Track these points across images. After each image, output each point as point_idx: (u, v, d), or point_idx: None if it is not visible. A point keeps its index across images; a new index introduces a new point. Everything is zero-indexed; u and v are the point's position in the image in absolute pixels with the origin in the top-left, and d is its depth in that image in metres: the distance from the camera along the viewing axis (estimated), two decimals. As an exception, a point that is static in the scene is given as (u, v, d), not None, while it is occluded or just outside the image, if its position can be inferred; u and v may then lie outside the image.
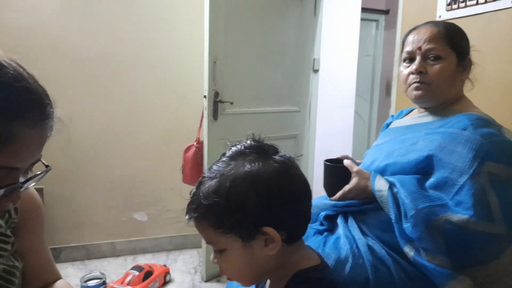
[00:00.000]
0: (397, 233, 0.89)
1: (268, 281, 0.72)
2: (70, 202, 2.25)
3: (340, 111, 2.86)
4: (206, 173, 0.64)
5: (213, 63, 1.97)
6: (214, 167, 0.64)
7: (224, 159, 0.65)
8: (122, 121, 2.27)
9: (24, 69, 0.57)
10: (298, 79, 2.45)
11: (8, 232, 0.72)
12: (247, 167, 0.61)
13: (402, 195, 0.88)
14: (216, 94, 2.02)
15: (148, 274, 1.98)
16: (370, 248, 0.93)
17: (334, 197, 1.04)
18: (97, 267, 2.21)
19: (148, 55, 2.27)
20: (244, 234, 0.60)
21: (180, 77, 2.34)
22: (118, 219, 2.37)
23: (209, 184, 0.61)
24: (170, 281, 2.09)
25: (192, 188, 0.65)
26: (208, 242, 0.64)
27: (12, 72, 0.54)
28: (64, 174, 2.20)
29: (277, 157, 0.64)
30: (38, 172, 0.62)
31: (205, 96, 1.99)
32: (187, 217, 0.63)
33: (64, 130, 0.62)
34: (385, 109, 3.91)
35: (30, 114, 0.55)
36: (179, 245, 2.46)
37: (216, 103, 2.02)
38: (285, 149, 0.68)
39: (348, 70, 2.90)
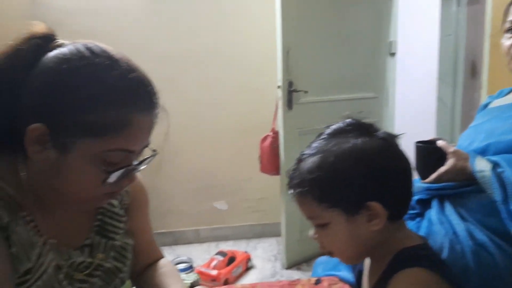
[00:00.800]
0: (504, 215, 0.82)
1: (366, 261, 0.72)
2: (158, 191, 2.43)
3: (420, 96, 2.70)
4: (306, 150, 0.66)
5: (286, 53, 1.98)
6: (314, 144, 0.65)
7: (324, 136, 0.66)
8: (202, 115, 2.40)
9: (132, 62, 0.64)
10: (374, 63, 2.36)
11: (122, 212, 0.81)
12: (351, 142, 0.61)
13: (510, 173, 0.81)
14: (290, 83, 2.03)
15: (231, 259, 2.08)
16: (470, 233, 0.88)
17: (428, 180, 0.99)
18: (184, 252, 2.37)
19: (223, 49, 2.36)
20: (348, 208, 0.61)
21: (254, 69, 2.40)
22: (201, 207, 2.51)
23: (312, 159, 0.62)
24: (252, 267, 2.17)
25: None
26: (309, 217, 0.65)
27: (125, 64, 0.61)
28: (153, 166, 2.36)
29: (379, 133, 0.64)
30: (147, 156, 0.69)
31: (279, 86, 2.02)
32: (290, 191, 0.65)
33: (165, 120, 0.68)
34: (471, 92, 3.58)
35: (143, 101, 0.62)
36: (258, 233, 2.53)
37: (290, 92, 2.03)
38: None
39: (428, 52, 2.73)
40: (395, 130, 2.28)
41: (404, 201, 0.64)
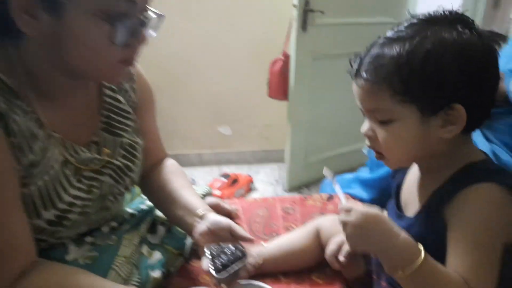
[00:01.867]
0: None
1: (412, 174, 0.68)
2: (163, 113, 2.37)
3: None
4: (388, 33, 0.57)
5: (304, -33, 1.81)
6: (402, 28, 0.56)
7: (415, 21, 0.56)
8: (212, 38, 2.26)
9: None
10: (397, -15, 2.19)
11: (129, 108, 0.77)
12: (456, 33, 0.53)
13: None
14: (306, 2, 1.88)
15: (234, 181, 2.11)
16: (494, 154, 0.86)
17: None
18: (187, 173, 2.39)
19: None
20: (427, 107, 0.54)
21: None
22: (205, 132, 2.49)
23: (400, 44, 0.53)
24: (254, 189, 2.21)
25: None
26: (372, 110, 0.58)
27: None
28: (160, 88, 2.30)
29: (485, 32, 0.55)
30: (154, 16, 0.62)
31: (294, 5, 1.88)
32: (361, 75, 0.56)
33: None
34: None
35: None
36: (261, 159, 2.55)
37: (306, 12, 1.89)
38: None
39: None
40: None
41: (485, 112, 0.58)
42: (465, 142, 0.59)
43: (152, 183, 0.86)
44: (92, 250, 0.72)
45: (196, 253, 0.88)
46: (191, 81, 2.34)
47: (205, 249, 0.70)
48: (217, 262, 0.67)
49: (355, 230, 0.54)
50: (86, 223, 0.71)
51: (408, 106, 0.54)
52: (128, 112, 0.76)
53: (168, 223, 0.88)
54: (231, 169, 2.45)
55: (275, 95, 2.08)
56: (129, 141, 0.76)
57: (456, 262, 0.53)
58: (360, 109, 0.61)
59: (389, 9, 2.19)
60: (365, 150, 1.38)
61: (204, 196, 1.03)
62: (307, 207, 1.04)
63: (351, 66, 0.60)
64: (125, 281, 0.70)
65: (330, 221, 0.81)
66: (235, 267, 0.67)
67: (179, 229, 0.89)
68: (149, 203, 0.92)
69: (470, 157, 0.58)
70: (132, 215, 0.85)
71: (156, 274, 0.76)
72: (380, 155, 0.61)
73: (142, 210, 0.88)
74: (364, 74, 0.56)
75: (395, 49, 0.53)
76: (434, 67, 0.52)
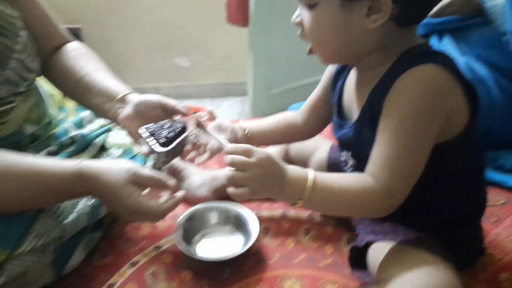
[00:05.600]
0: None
1: (351, 75, 0.62)
2: (110, 44, 2.17)
3: None
4: None
5: None
6: None
7: None
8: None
9: None
10: None
11: None
12: None
13: None
14: None
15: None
16: (469, 67, 0.82)
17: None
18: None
19: None
20: None
21: None
22: (161, 63, 2.31)
23: None
24: (216, 124, 2.12)
25: None
26: None
27: None
28: (103, 14, 2.08)
29: None
30: None
31: None
32: None
33: None
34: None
35: None
36: (223, 92, 2.43)
37: None
38: None
39: None
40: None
41: (420, 4, 0.51)
42: (403, 37, 0.53)
43: (55, 69, 0.73)
44: None
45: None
46: (139, 6, 2.11)
47: (140, 131, 0.62)
48: (159, 139, 0.60)
49: (260, 174, 0.48)
50: None
51: None
52: None
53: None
54: (192, 104, 2.33)
55: (234, 19, 1.91)
56: None
57: (375, 155, 0.50)
58: None
59: None
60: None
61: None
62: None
63: None
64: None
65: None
66: (179, 139, 0.61)
67: None
68: (93, 127, 0.79)
69: (407, 46, 0.53)
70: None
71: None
72: (310, 50, 0.57)
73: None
74: None
75: None
76: None
